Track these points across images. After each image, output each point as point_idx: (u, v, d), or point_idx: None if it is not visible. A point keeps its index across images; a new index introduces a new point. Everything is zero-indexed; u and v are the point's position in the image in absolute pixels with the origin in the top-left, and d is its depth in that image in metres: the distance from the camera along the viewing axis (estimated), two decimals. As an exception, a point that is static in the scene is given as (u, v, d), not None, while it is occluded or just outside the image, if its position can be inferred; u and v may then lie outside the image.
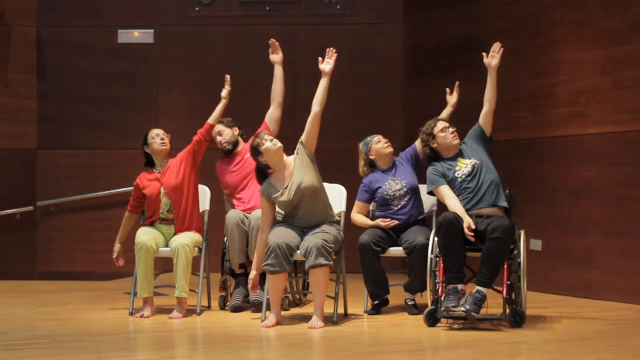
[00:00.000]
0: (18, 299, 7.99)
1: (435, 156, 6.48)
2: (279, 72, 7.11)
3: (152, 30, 9.62)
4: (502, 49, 6.36)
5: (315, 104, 6.34)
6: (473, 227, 6.09)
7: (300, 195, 6.30)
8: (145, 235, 6.69)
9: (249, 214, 6.92)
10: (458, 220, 6.14)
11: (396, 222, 6.76)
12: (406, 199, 6.83)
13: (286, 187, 6.32)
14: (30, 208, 9.42)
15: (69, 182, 9.52)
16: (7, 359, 5.19)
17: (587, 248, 7.64)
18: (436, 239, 6.26)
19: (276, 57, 7.11)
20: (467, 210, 6.27)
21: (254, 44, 9.62)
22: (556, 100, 7.92)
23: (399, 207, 6.83)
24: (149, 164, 7.00)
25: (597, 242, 7.55)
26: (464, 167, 6.42)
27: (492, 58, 6.41)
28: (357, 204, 6.95)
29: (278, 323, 6.24)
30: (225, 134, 7.18)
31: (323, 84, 6.36)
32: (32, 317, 6.81)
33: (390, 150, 6.94)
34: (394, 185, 6.85)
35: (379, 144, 6.92)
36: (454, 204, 6.26)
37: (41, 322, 6.55)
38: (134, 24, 9.63)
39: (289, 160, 6.42)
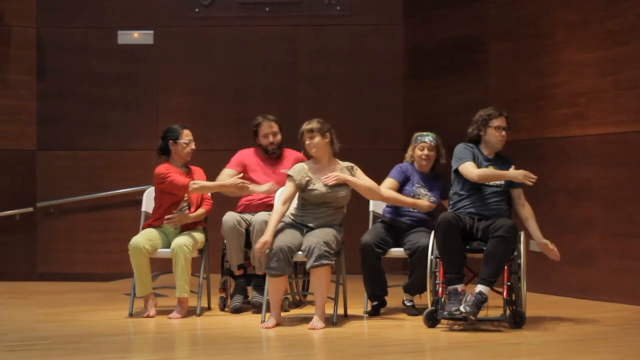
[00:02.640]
0: (18, 300, 7.98)
1: (475, 140, 6.44)
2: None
3: (152, 31, 9.60)
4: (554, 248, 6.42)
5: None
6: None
7: (331, 198, 6.37)
8: (139, 237, 6.71)
9: (253, 213, 6.89)
10: (456, 219, 6.14)
11: (433, 206, 6.70)
12: None
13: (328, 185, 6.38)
14: (30, 209, 9.41)
15: (68, 183, 9.50)
16: (7, 359, 5.19)
17: (587, 249, 7.63)
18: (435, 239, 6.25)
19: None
20: (465, 213, 6.28)
21: (253, 45, 9.61)
22: (556, 101, 7.91)
23: (411, 209, 6.80)
24: (164, 152, 6.88)
25: (597, 243, 7.55)
26: None
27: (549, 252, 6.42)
28: (389, 181, 6.77)
29: (278, 324, 6.23)
30: (279, 137, 7.00)
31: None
32: (32, 318, 6.81)
33: (425, 163, 6.82)
34: (422, 192, 6.78)
35: (421, 152, 6.81)
36: (483, 171, 6.24)
37: (41, 323, 6.55)
38: (134, 24, 9.61)
39: (336, 160, 6.50)
